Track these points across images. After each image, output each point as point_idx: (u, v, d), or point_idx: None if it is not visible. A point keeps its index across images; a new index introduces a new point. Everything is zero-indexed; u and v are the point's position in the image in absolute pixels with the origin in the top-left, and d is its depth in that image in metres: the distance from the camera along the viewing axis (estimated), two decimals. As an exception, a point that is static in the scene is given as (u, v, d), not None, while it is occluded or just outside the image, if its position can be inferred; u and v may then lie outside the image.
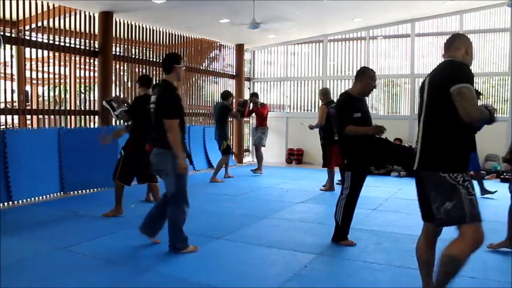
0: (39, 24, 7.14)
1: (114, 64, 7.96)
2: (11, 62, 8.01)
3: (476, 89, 2.49)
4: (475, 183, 3.85)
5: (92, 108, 8.03)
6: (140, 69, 8.81)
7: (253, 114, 9.13)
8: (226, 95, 8.18)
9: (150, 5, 7.13)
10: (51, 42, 6.98)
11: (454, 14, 9.31)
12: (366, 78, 4.00)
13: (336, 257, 3.78)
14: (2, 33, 6.38)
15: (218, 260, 3.66)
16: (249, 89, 11.83)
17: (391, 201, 6.14)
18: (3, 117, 6.87)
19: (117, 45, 8.11)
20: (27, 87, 8.95)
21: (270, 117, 9.14)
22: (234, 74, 11.26)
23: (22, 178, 5.82)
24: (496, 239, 3.74)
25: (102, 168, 6.31)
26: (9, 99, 7.14)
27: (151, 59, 8.90)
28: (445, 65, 2.51)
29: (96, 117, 7.72)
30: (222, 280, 3.18)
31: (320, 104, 7.15)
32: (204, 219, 4.95)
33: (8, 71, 8.07)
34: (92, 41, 7.64)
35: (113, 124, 7.43)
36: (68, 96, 8.18)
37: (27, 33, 7.04)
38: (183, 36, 9.66)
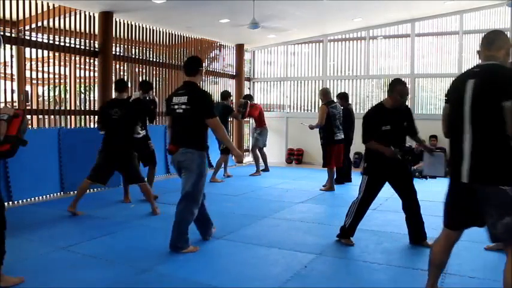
0: (39, 24, 7.14)
1: (114, 64, 7.96)
2: (11, 62, 8.01)
3: None
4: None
5: (92, 108, 8.03)
6: (140, 69, 8.82)
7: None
8: (226, 95, 8.17)
9: (150, 5, 7.13)
10: (51, 42, 6.98)
11: (454, 14, 9.31)
12: (394, 94, 3.87)
13: (336, 257, 3.78)
14: (2, 33, 6.38)
15: (218, 260, 3.66)
16: (249, 89, 11.83)
17: (391, 201, 6.13)
18: (3, 117, 6.86)
19: (117, 45, 8.11)
20: (27, 87, 8.95)
21: (270, 117, 9.14)
22: (234, 74, 11.27)
23: (22, 178, 5.81)
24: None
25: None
26: (9, 99, 7.14)
27: (151, 59, 8.90)
28: (495, 72, 2.35)
29: (96, 117, 7.71)
30: (222, 280, 3.18)
31: (320, 104, 7.14)
32: (204, 219, 4.94)
33: (8, 71, 8.06)
34: (92, 41, 7.64)
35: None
36: (68, 96, 8.17)
37: (27, 33, 7.04)
38: (183, 36, 9.66)
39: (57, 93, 8.72)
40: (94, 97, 8.19)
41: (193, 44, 10.10)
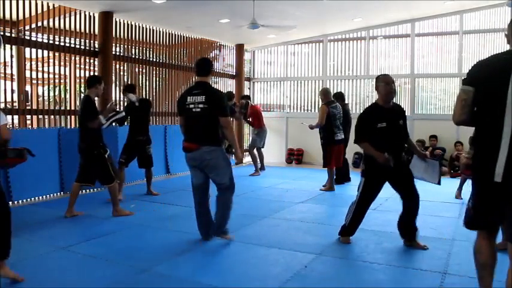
0: (39, 24, 7.14)
1: (114, 64, 7.96)
2: (11, 62, 8.01)
3: None
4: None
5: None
6: (140, 69, 8.82)
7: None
8: (230, 96, 8.21)
9: (150, 5, 7.13)
10: (51, 42, 6.98)
11: (454, 14, 9.31)
12: (380, 83, 3.89)
13: (336, 257, 3.78)
14: (2, 33, 6.38)
15: (218, 260, 3.66)
16: (249, 89, 11.83)
17: (391, 201, 6.12)
18: (3, 117, 6.86)
19: (117, 45, 8.11)
20: (27, 87, 8.94)
21: (270, 117, 9.13)
22: (234, 74, 11.26)
23: (22, 178, 5.81)
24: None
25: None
26: (9, 99, 7.14)
27: (151, 59, 8.90)
28: None
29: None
30: (222, 280, 3.18)
31: (320, 104, 7.14)
32: (204, 219, 4.94)
33: (8, 71, 8.06)
34: (92, 41, 7.64)
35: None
36: (68, 96, 8.17)
37: (27, 33, 7.03)
38: (183, 36, 9.66)
39: (57, 93, 8.72)
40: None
41: (193, 44, 10.10)
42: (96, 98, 5.34)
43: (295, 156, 10.97)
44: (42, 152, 6.09)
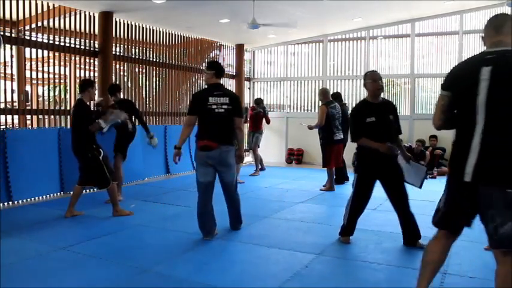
0: (39, 24, 7.14)
1: (114, 64, 7.96)
2: (11, 62, 8.01)
3: None
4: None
5: (91, 108, 8.01)
6: (140, 69, 8.82)
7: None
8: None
9: (150, 5, 7.13)
10: (51, 42, 6.98)
11: (454, 14, 9.31)
12: (367, 80, 3.97)
13: (336, 257, 3.78)
14: (2, 33, 6.38)
15: (218, 260, 3.66)
16: (249, 89, 11.83)
17: (391, 201, 6.13)
18: (3, 117, 6.87)
19: (117, 45, 8.11)
20: (27, 87, 8.95)
21: (270, 117, 9.12)
22: (234, 74, 11.26)
23: (22, 178, 5.81)
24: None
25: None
26: (9, 99, 7.14)
27: (151, 59, 8.90)
28: None
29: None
30: (222, 280, 3.18)
31: (320, 104, 7.14)
32: (204, 219, 4.94)
33: (8, 71, 8.06)
34: (92, 41, 7.64)
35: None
36: (68, 96, 8.17)
37: (27, 33, 7.04)
38: (183, 36, 9.66)
39: (57, 93, 8.72)
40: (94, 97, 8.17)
41: (193, 44, 10.10)
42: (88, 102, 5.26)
43: (295, 156, 10.97)
44: (42, 152, 6.12)
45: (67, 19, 7.31)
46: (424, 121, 9.49)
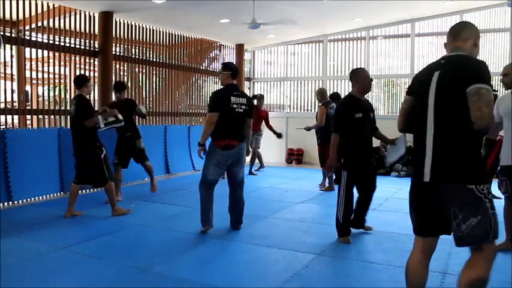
0: (39, 24, 7.14)
1: (114, 64, 7.96)
2: (11, 62, 8.01)
3: (495, 89, 2.26)
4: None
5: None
6: (140, 69, 8.82)
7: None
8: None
9: (150, 5, 7.13)
10: (51, 42, 6.99)
11: (454, 14, 9.30)
12: (359, 77, 4.15)
13: (336, 257, 3.78)
14: (2, 33, 6.38)
15: (218, 260, 3.66)
16: (249, 89, 11.83)
17: (391, 201, 6.14)
18: (3, 117, 6.87)
19: (117, 45, 8.11)
20: (27, 87, 8.95)
21: (270, 117, 9.12)
22: (234, 74, 11.25)
23: (22, 178, 5.81)
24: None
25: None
26: (9, 99, 7.14)
27: (151, 59, 8.90)
28: (459, 62, 2.19)
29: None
30: (222, 280, 3.18)
31: (318, 105, 7.18)
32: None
33: (8, 71, 8.07)
34: (92, 41, 7.64)
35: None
36: (68, 96, 8.17)
37: (27, 33, 7.04)
38: (183, 36, 9.67)
39: (57, 93, 8.72)
40: (94, 97, 8.18)
41: (193, 44, 10.10)
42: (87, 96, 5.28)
43: (295, 156, 10.98)
44: (42, 152, 6.12)
45: (67, 19, 7.31)
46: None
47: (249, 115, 4.41)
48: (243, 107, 4.29)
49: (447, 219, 2.16)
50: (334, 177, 7.33)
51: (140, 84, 8.91)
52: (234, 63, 11.33)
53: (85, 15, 7.50)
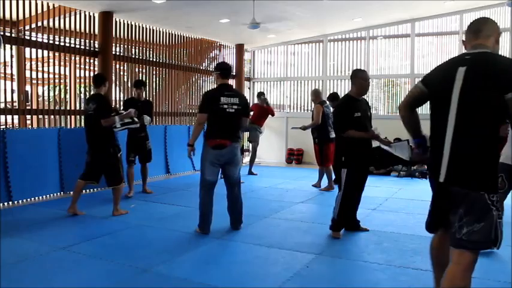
0: (39, 24, 7.14)
1: (114, 64, 7.96)
2: (11, 62, 8.01)
3: None
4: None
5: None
6: (140, 69, 8.82)
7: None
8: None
9: (150, 5, 7.13)
10: (51, 42, 6.98)
11: (454, 14, 9.31)
12: (358, 79, 4.22)
13: (336, 257, 3.78)
14: (2, 33, 6.38)
15: (218, 260, 3.66)
16: (249, 89, 11.83)
17: (391, 201, 6.14)
18: (3, 117, 6.87)
19: (117, 45, 8.11)
20: (27, 87, 8.95)
21: (270, 117, 9.11)
22: (234, 74, 11.26)
23: (22, 178, 5.81)
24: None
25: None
26: (9, 99, 7.14)
27: (151, 59, 8.90)
28: (489, 60, 2.10)
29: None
30: (222, 280, 3.18)
31: (313, 105, 7.26)
32: (204, 219, 4.94)
33: (8, 71, 8.07)
34: (92, 41, 7.64)
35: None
36: (68, 96, 8.18)
37: (27, 33, 7.03)
38: (183, 36, 9.66)
39: (57, 93, 8.72)
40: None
41: (193, 44, 10.10)
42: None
43: (295, 156, 10.98)
44: (42, 152, 6.12)
45: (67, 19, 7.31)
46: (424, 121, 9.40)
47: (244, 114, 4.39)
48: (235, 106, 4.25)
49: (451, 219, 2.17)
50: (334, 177, 7.39)
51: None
52: (234, 63, 11.39)
53: (85, 15, 7.50)
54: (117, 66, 8.27)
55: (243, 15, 7.85)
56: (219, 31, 9.60)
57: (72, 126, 7.32)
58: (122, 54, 8.22)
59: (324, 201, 6.20)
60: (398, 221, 4.94)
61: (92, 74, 8.21)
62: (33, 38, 6.93)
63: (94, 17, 7.61)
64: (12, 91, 7.40)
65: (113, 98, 7.89)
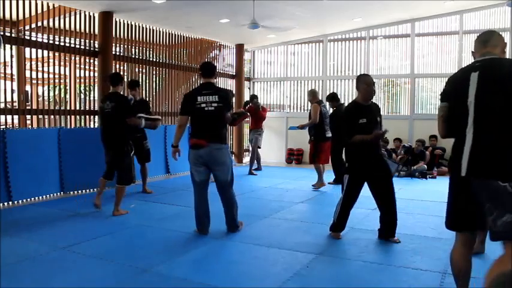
0: (39, 24, 7.14)
1: (114, 64, 7.96)
2: (11, 62, 8.01)
3: None
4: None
5: (92, 108, 8.02)
6: (140, 69, 8.82)
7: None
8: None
9: (150, 5, 7.13)
10: (51, 42, 6.98)
11: (454, 14, 9.31)
12: (361, 85, 4.12)
13: (336, 257, 3.78)
14: (2, 33, 6.38)
15: (218, 260, 3.66)
16: (249, 89, 11.83)
17: (391, 201, 6.12)
18: (3, 117, 6.87)
19: (117, 45, 8.11)
20: (27, 87, 8.95)
21: (270, 117, 9.15)
22: (234, 74, 11.26)
23: (22, 178, 5.81)
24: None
25: (102, 168, 6.28)
26: (9, 99, 7.14)
27: (151, 59, 8.90)
28: (501, 63, 2.33)
29: (96, 117, 7.72)
30: (221, 280, 3.18)
31: (310, 105, 7.29)
32: (204, 219, 4.94)
33: (8, 71, 8.07)
34: (92, 41, 7.63)
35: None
36: (68, 96, 8.18)
37: (27, 33, 7.03)
38: (183, 36, 9.66)
39: (57, 93, 8.72)
40: (94, 97, 8.19)
41: (193, 44, 10.10)
42: None
43: (295, 156, 10.98)
44: (42, 152, 6.12)
45: (67, 19, 7.31)
46: (424, 121, 9.50)
47: (227, 109, 4.27)
48: (214, 104, 4.12)
49: (482, 215, 2.26)
50: (334, 177, 7.41)
51: (140, 84, 8.90)
52: (234, 63, 11.40)
53: (85, 15, 7.50)
54: (117, 66, 8.27)
55: (243, 15, 7.85)
56: (219, 31, 9.60)
57: (72, 126, 7.32)
58: (122, 54, 8.22)
59: (324, 201, 6.20)
60: (398, 221, 4.93)
61: (92, 74, 8.24)
62: (33, 38, 6.92)
63: (94, 17, 7.60)
64: (12, 91, 7.40)
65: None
